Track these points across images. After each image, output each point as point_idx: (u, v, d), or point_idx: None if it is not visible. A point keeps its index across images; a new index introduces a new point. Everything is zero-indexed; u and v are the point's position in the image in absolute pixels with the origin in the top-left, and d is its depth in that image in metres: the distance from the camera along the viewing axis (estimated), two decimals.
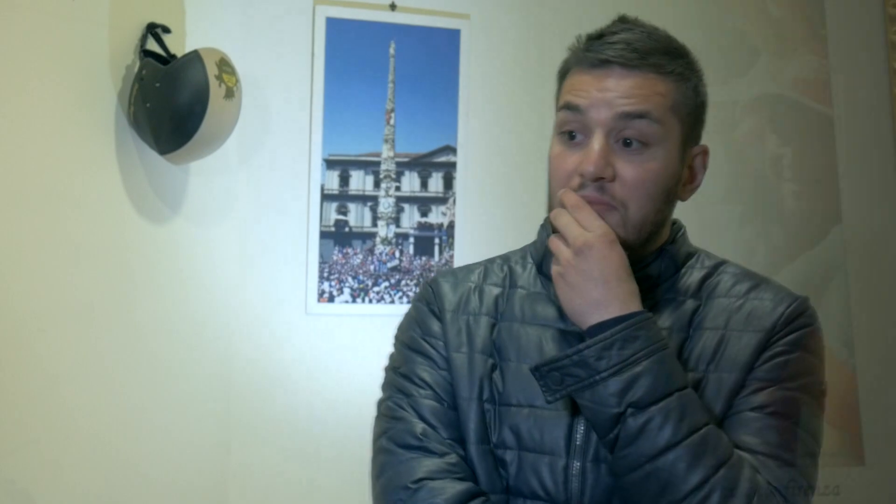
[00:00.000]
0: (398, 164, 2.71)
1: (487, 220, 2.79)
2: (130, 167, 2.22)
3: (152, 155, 2.25)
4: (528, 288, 1.30)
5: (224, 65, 2.18)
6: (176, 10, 2.35)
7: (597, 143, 1.17)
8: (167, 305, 2.37)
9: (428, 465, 1.20)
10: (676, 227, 1.31)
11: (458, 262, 2.73)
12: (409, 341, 1.33)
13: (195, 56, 2.14)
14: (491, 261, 1.37)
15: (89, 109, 2.12)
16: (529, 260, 1.33)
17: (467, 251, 2.75)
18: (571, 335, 1.23)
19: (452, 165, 2.75)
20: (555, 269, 1.18)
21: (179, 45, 2.33)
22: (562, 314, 1.24)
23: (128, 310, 2.24)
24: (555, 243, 1.19)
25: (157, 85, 2.11)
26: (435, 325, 1.30)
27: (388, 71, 2.70)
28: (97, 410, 2.16)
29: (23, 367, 1.98)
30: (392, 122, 2.71)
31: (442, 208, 2.75)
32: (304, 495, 2.63)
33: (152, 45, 2.23)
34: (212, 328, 2.51)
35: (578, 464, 1.18)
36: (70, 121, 2.07)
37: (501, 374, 1.24)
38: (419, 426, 1.23)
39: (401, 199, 2.72)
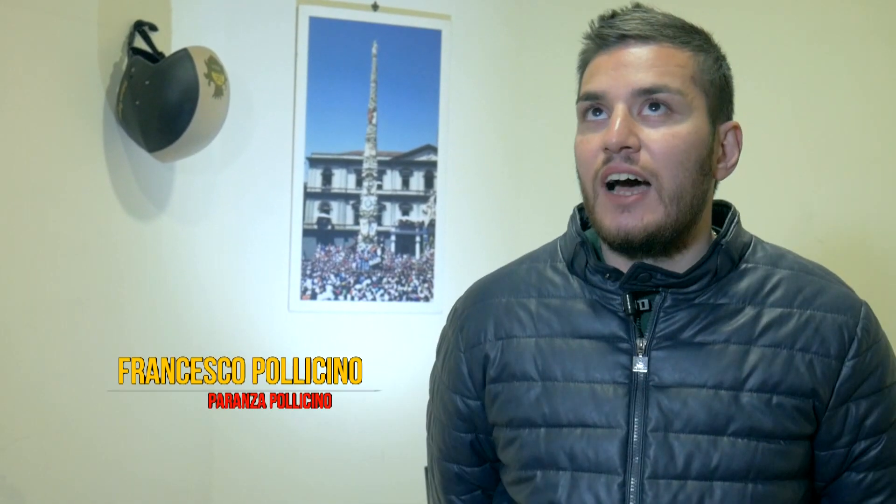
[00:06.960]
0: (380, 163, 2.74)
1: (468, 219, 2.82)
2: (118, 164, 2.23)
3: (139, 152, 2.25)
4: (561, 293, 1.23)
5: (213, 63, 2.19)
6: (163, 9, 2.35)
7: (618, 113, 1.13)
8: (152, 302, 2.37)
9: None
10: (730, 217, 1.22)
11: (440, 259, 2.77)
12: (442, 373, 1.32)
13: (185, 54, 2.15)
14: (518, 264, 1.30)
15: (78, 106, 2.12)
16: (559, 258, 1.26)
17: (448, 249, 2.78)
18: (619, 342, 1.18)
19: (433, 164, 2.78)
20: None
21: (165, 42, 2.34)
22: (598, 316, 1.19)
23: (114, 307, 2.25)
24: None
25: (147, 82, 2.12)
26: (463, 365, 1.27)
27: (370, 70, 2.73)
28: (84, 407, 2.16)
29: (12, 363, 1.98)
30: (374, 121, 2.73)
31: (423, 206, 2.78)
32: (286, 487, 2.65)
33: (139, 43, 2.24)
34: (195, 325, 2.52)
35: (635, 481, 1.14)
36: (59, 117, 2.07)
37: (548, 395, 1.19)
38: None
39: (382, 198, 2.75)
